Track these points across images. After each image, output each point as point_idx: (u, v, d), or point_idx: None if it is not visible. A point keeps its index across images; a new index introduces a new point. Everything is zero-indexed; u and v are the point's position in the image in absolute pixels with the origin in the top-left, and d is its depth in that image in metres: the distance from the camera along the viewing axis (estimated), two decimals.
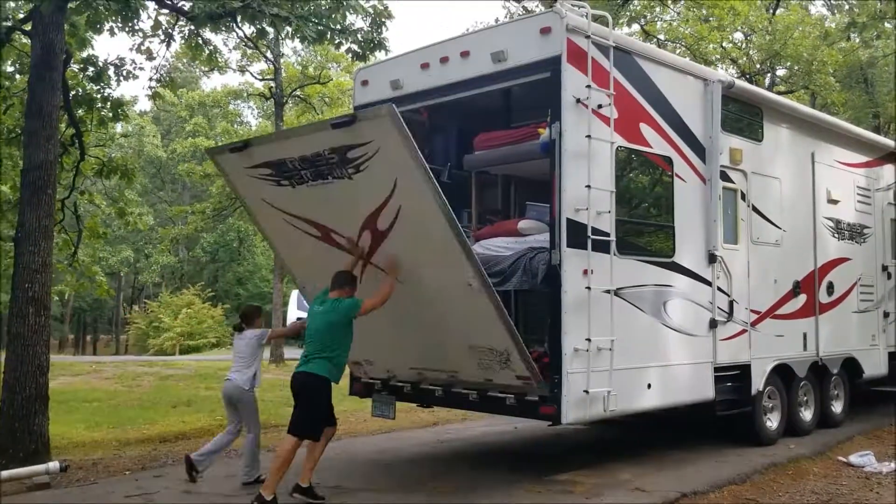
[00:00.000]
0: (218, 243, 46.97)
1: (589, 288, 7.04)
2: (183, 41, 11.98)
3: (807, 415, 9.94)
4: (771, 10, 26.56)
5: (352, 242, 7.06)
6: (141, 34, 11.53)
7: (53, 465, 7.69)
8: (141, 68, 12.03)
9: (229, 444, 7.82)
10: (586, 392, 6.94)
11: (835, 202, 10.59)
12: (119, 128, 33.59)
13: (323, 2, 10.16)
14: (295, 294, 33.93)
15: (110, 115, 12.07)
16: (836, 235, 10.63)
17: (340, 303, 6.72)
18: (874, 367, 11.16)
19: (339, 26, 10.12)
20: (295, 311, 32.44)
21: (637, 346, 7.57)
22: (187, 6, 10.43)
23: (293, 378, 6.80)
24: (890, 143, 12.54)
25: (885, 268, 11.59)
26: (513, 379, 7.05)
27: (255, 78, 26.67)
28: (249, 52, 24.90)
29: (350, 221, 6.97)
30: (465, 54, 7.82)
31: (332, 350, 6.69)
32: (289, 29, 9.84)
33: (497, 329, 6.69)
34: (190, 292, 37.88)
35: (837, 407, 10.59)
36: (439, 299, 6.95)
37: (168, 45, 11.74)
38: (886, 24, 27.11)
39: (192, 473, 7.48)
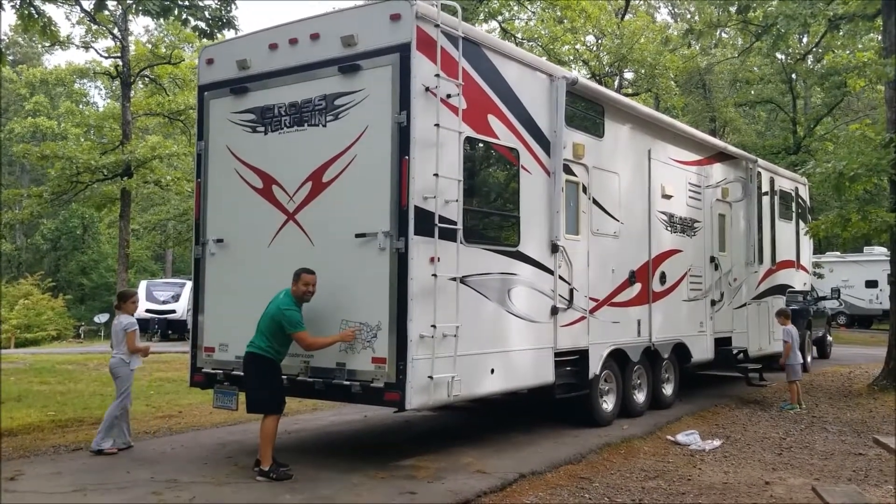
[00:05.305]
0: (60, 230, 44.16)
1: (435, 275, 7.13)
2: (14, 11, 11.10)
3: (640, 397, 10.52)
4: (620, 16, 27.90)
5: None
6: None
7: None
8: None
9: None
10: (430, 378, 7.03)
11: (668, 197, 11.25)
12: None
13: None
14: (143, 284, 32.42)
15: None
16: (669, 228, 11.29)
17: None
18: (702, 352, 11.97)
19: (185, 1, 9.73)
20: (143, 303, 31.00)
21: (481, 332, 7.74)
22: None
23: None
24: (719, 142, 13.47)
25: (712, 259, 12.44)
26: (367, 363, 7.08)
27: (101, 56, 25.14)
28: (95, 27, 23.46)
29: (299, 171, 7.67)
30: (314, 37, 7.72)
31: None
32: (131, 2, 9.36)
33: (382, 298, 7.02)
34: (28, 282, 35.51)
35: (668, 389, 11.26)
36: (339, 262, 7.33)
37: None
38: (723, 34, 29.20)
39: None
